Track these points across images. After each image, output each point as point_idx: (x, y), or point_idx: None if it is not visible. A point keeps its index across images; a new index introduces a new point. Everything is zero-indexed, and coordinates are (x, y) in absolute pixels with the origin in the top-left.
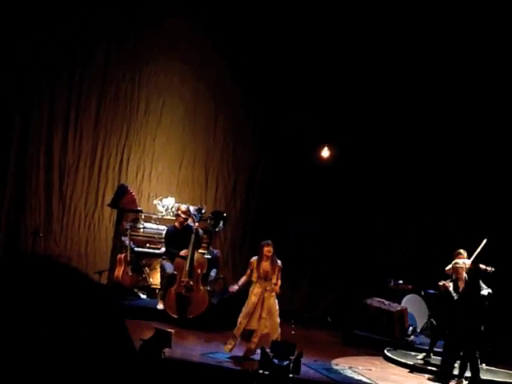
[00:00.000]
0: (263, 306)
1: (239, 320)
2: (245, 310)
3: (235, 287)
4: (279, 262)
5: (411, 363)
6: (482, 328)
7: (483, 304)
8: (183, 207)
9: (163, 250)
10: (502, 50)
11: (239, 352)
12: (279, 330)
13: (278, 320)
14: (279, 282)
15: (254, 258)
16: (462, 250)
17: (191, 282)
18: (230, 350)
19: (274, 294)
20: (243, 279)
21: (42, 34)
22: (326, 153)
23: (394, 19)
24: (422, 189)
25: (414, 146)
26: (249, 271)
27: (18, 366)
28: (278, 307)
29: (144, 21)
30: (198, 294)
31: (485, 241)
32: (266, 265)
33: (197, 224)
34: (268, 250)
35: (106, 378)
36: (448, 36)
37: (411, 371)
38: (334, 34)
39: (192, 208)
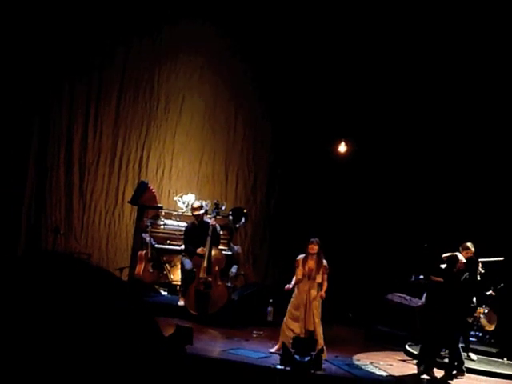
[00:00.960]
0: (306, 307)
1: (285, 319)
2: (291, 306)
3: (290, 286)
4: (325, 261)
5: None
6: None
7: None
8: (196, 204)
9: (183, 246)
10: (504, 50)
11: (261, 348)
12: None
13: (319, 319)
14: (325, 284)
15: (301, 256)
16: (469, 244)
17: (209, 279)
18: (278, 349)
19: (318, 297)
20: (294, 280)
21: (62, 33)
22: (342, 148)
23: (412, 13)
24: (444, 184)
25: (437, 136)
26: (296, 269)
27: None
28: (320, 308)
29: (163, 19)
30: (217, 290)
31: (501, 258)
32: (311, 263)
33: (213, 220)
34: (311, 247)
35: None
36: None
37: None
38: (350, 29)
39: (205, 203)
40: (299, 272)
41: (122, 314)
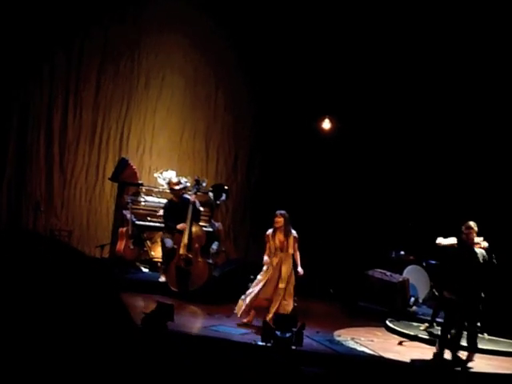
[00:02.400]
0: (280, 276)
1: (254, 290)
2: (260, 278)
3: (267, 259)
4: (294, 232)
5: (413, 334)
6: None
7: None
8: (174, 179)
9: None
10: (502, 49)
11: (243, 324)
12: (293, 299)
13: (292, 292)
14: (298, 254)
15: (270, 231)
16: (472, 224)
17: (190, 255)
18: (250, 321)
19: (289, 263)
20: (266, 256)
21: (41, 9)
22: (326, 124)
23: None
24: (430, 162)
25: (419, 113)
26: (267, 244)
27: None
28: (294, 277)
29: None
30: (198, 267)
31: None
32: (280, 236)
33: (194, 196)
34: (276, 220)
35: (105, 352)
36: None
37: (400, 343)
38: (334, 5)
39: (184, 180)
40: (270, 246)
41: (83, 292)
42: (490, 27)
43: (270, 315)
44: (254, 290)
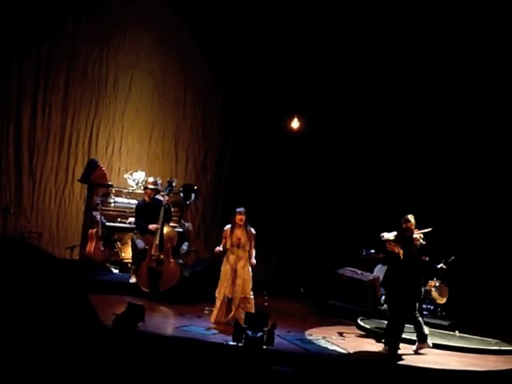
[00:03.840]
0: (237, 273)
1: (217, 289)
2: (221, 277)
3: (220, 249)
4: (252, 229)
5: (382, 332)
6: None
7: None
8: (150, 179)
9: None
10: (500, 49)
11: (213, 324)
12: (252, 296)
13: (250, 286)
14: (253, 250)
15: (228, 227)
16: (410, 217)
17: (162, 256)
18: (215, 319)
19: (246, 259)
20: (220, 247)
21: (9, 11)
22: (295, 123)
23: None
24: (394, 158)
25: (383, 111)
26: (223, 240)
27: None
28: (251, 274)
29: None
30: (169, 268)
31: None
32: (238, 232)
33: (166, 197)
34: (239, 218)
35: (71, 353)
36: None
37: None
38: (304, 4)
39: (159, 181)
40: (228, 242)
41: (49, 293)
42: (475, 26)
43: (232, 313)
44: (218, 289)
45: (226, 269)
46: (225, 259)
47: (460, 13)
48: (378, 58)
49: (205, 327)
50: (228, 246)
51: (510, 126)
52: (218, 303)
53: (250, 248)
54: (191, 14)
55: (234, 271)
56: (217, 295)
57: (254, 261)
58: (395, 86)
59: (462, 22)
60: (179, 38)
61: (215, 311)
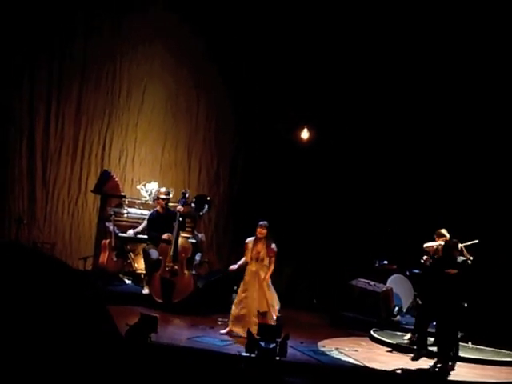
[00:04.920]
0: (257, 288)
1: (235, 301)
2: (239, 289)
3: (235, 267)
4: (274, 245)
5: (395, 343)
6: (464, 304)
7: (459, 276)
8: (162, 189)
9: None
10: (495, 50)
11: (226, 335)
12: (276, 307)
13: (275, 301)
14: (272, 266)
15: (249, 239)
16: (444, 231)
17: (176, 267)
18: (230, 330)
19: (265, 273)
20: (242, 260)
21: (21, 23)
22: (305, 134)
23: None
24: (407, 169)
25: (396, 121)
26: (246, 252)
27: None
28: (273, 290)
29: (124, 7)
30: (183, 279)
31: (476, 241)
32: (259, 246)
33: (182, 208)
34: (259, 231)
35: (91, 363)
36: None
37: (391, 351)
38: (312, 16)
39: (172, 191)
40: (248, 254)
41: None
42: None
43: (248, 326)
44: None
45: (245, 283)
46: (245, 273)
47: (459, 13)
48: (385, 67)
49: (218, 338)
50: (248, 259)
51: (510, 126)
52: (233, 315)
53: (270, 263)
54: (203, 25)
55: (259, 284)
56: (233, 307)
57: (267, 277)
58: (405, 95)
59: (462, 22)
60: (192, 49)
61: (231, 324)
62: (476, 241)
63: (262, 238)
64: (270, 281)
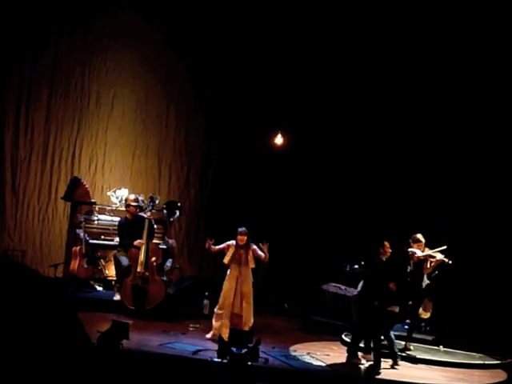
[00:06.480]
0: (237, 291)
1: (217, 305)
2: (221, 293)
3: (215, 247)
4: (254, 246)
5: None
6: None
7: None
8: (131, 196)
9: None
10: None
11: (198, 341)
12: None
13: (252, 307)
14: (263, 254)
15: (232, 243)
16: (419, 236)
17: (147, 273)
18: (213, 335)
19: (249, 280)
20: (221, 246)
21: None
22: (279, 140)
23: None
24: (376, 172)
25: (366, 127)
26: (225, 245)
27: None
28: (252, 293)
29: (93, 13)
30: (155, 285)
31: (444, 247)
32: (240, 251)
33: (149, 214)
34: (240, 239)
35: (62, 371)
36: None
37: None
38: (285, 20)
39: (141, 198)
40: (228, 258)
41: (39, 312)
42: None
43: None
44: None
45: (227, 285)
46: (227, 276)
47: (459, 13)
48: (363, 72)
49: (190, 344)
50: (226, 261)
51: (510, 127)
52: (220, 320)
53: (265, 256)
54: (173, 32)
55: (236, 289)
56: (217, 311)
57: (262, 254)
58: (381, 101)
59: (461, 22)
60: (161, 55)
61: (219, 327)
62: (444, 247)
63: (243, 245)
64: (252, 289)
